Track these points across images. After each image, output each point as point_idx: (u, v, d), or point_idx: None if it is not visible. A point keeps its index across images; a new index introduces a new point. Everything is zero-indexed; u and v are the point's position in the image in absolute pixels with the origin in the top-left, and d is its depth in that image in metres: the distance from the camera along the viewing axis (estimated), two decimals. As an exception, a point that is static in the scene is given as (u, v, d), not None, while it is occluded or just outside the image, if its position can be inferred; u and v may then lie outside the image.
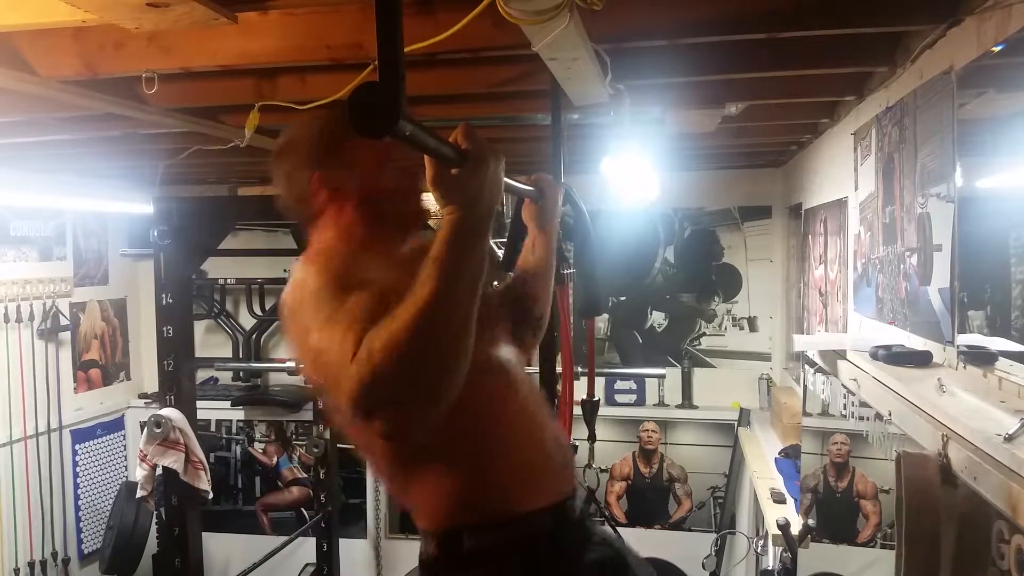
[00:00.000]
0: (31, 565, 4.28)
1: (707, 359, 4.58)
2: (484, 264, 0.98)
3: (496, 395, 1.20)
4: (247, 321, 5.09)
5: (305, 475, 4.97)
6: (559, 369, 2.20)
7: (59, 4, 1.29)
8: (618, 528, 2.32)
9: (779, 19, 1.65)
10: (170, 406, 3.36)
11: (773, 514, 2.72)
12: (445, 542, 1.15)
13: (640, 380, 4.59)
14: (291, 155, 1.30)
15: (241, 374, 5.09)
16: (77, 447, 4.65)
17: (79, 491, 4.67)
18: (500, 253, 1.61)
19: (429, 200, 1.29)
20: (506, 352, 1.28)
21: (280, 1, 1.62)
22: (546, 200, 1.55)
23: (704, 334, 4.58)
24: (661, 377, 4.49)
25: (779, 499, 2.93)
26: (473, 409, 1.09)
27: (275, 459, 5.06)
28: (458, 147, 0.96)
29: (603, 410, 4.09)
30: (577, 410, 2.16)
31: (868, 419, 1.95)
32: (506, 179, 1.07)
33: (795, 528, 2.54)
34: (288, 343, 1.17)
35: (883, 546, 2.42)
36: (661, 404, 4.60)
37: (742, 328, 4.53)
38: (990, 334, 1.86)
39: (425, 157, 0.93)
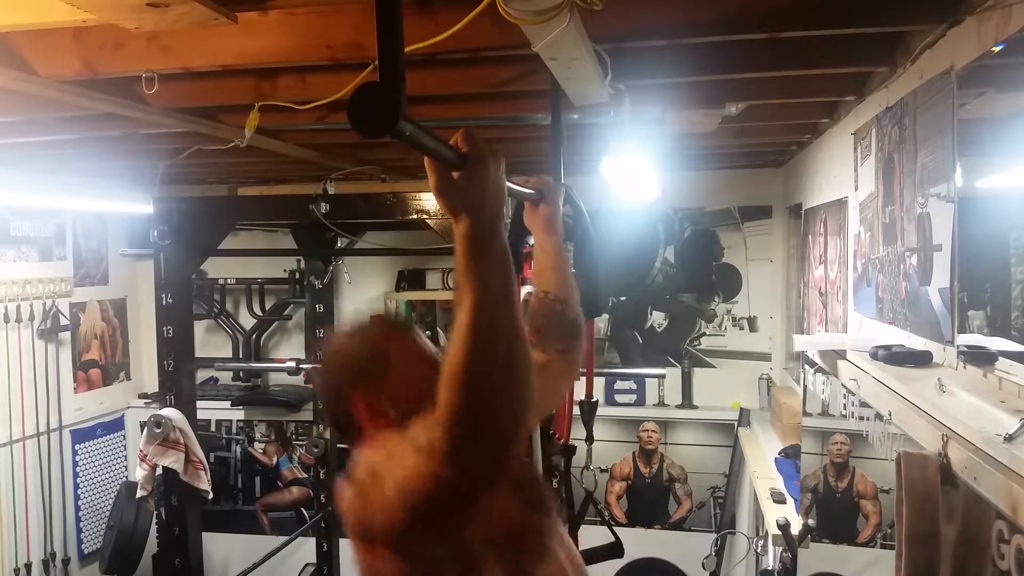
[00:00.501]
0: (30, 565, 4.28)
1: (707, 359, 4.58)
2: (509, 260, 0.98)
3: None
4: (247, 321, 5.09)
5: (305, 475, 4.97)
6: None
7: (59, 4, 1.29)
8: (618, 528, 2.32)
9: (779, 19, 1.65)
10: (170, 406, 3.36)
11: (773, 514, 2.72)
12: None
13: (640, 380, 4.59)
14: (334, 372, 1.30)
15: (241, 374, 5.09)
16: (77, 447, 4.66)
17: (79, 491, 4.67)
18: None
19: (429, 200, 1.28)
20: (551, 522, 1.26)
21: (280, 1, 1.62)
22: (549, 202, 1.55)
23: (704, 334, 4.58)
24: (661, 377, 4.49)
25: (779, 499, 2.93)
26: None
27: (275, 459, 5.06)
28: (458, 149, 0.96)
29: (603, 410, 4.10)
30: (577, 410, 2.17)
31: (868, 419, 1.95)
32: (507, 183, 1.07)
33: (795, 528, 2.54)
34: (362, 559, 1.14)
35: (883, 546, 2.42)
36: (661, 404, 4.60)
37: (742, 328, 4.53)
38: (990, 334, 1.86)
39: (427, 165, 0.93)
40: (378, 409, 1.23)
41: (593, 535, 2.29)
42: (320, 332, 4.56)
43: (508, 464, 1.03)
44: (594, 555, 2.23)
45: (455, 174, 0.94)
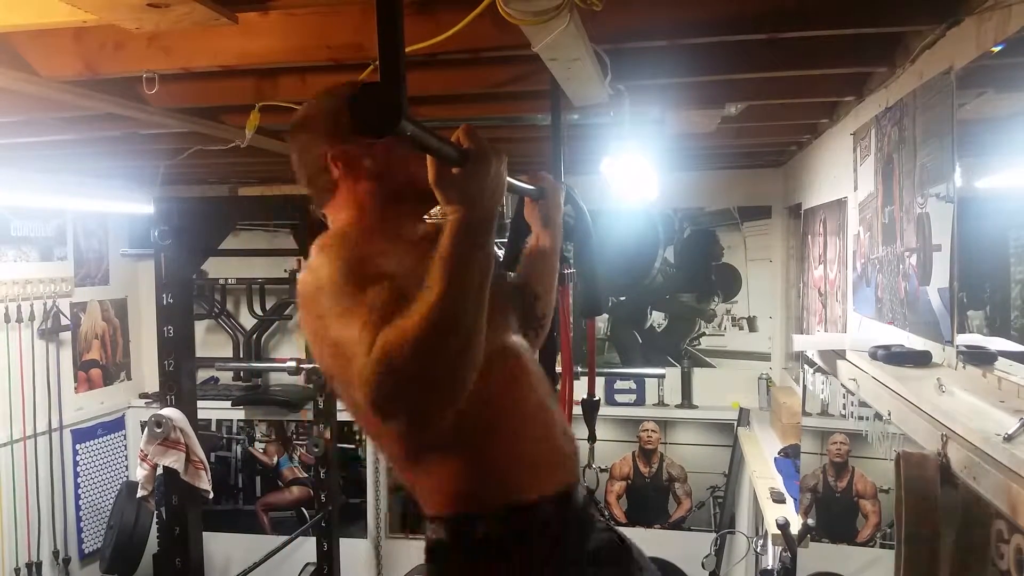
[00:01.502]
0: (31, 565, 4.28)
1: (707, 359, 4.58)
2: (491, 262, 1.00)
3: (509, 382, 1.21)
4: (247, 321, 5.09)
5: (305, 475, 4.97)
6: (559, 369, 2.20)
7: (59, 4, 1.29)
8: (618, 528, 2.32)
9: (779, 19, 1.66)
10: (171, 406, 3.37)
11: (772, 514, 2.72)
12: (455, 527, 1.16)
13: (640, 380, 4.59)
14: (306, 130, 1.29)
15: (241, 374, 5.09)
16: (78, 447, 4.66)
17: (80, 491, 4.67)
18: (500, 253, 1.62)
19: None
20: (518, 338, 1.29)
21: (281, 1, 1.62)
22: (547, 199, 1.55)
23: (704, 334, 4.58)
24: (661, 377, 4.49)
25: (778, 499, 2.93)
26: (486, 395, 1.10)
27: (275, 459, 5.06)
28: (460, 146, 0.96)
29: (603, 410, 4.08)
30: (577, 410, 2.16)
31: (867, 419, 1.95)
32: (508, 179, 1.07)
33: (794, 528, 2.54)
34: (303, 329, 1.18)
35: (882, 546, 2.42)
36: (661, 404, 4.60)
37: (742, 328, 4.53)
38: (989, 334, 1.86)
39: (427, 158, 0.94)
40: (355, 166, 1.22)
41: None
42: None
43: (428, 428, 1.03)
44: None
45: (455, 169, 0.95)
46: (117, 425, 5.01)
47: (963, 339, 1.63)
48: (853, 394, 2.06)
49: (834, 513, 2.59)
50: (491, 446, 1.17)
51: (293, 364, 4.43)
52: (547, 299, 1.55)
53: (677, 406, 4.58)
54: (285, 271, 4.88)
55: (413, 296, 0.96)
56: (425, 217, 1.32)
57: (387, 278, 1.05)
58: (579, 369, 2.49)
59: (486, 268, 0.99)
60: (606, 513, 4.27)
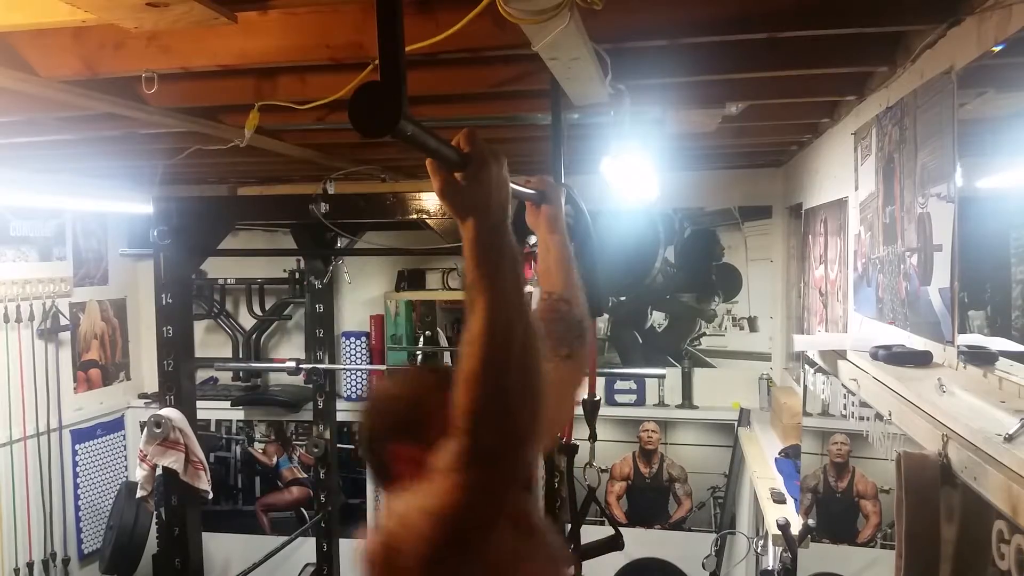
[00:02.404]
0: (31, 565, 4.28)
1: (707, 359, 4.58)
2: (518, 257, 0.97)
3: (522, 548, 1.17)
4: (247, 321, 5.09)
5: (305, 475, 4.97)
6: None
7: (59, 4, 1.29)
8: (619, 528, 2.32)
9: (780, 19, 1.65)
10: (170, 406, 3.36)
11: (773, 514, 2.72)
12: None
13: (640, 380, 4.59)
14: (377, 417, 1.28)
15: (241, 374, 5.09)
16: (77, 447, 4.66)
17: (79, 491, 4.67)
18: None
19: (428, 200, 1.27)
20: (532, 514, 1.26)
21: (280, 1, 1.62)
22: (551, 202, 1.54)
23: (704, 334, 4.58)
24: (661, 377, 4.49)
25: (779, 499, 2.93)
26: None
27: (275, 459, 5.06)
28: (459, 150, 0.95)
29: (603, 410, 4.07)
30: (578, 410, 2.16)
31: (868, 419, 1.95)
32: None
33: (795, 528, 2.54)
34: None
35: (883, 546, 2.42)
36: (661, 404, 4.60)
37: (742, 328, 4.53)
38: (990, 334, 1.86)
39: (430, 168, 0.93)
40: (416, 459, 1.17)
41: (595, 534, 2.29)
42: (320, 332, 4.56)
43: (528, 463, 1.02)
44: (594, 548, 2.23)
45: (458, 175, 0.94)
46: (116, 425, 5.01)
47: (964, 339, 1.62)
48: (854, 394, 2.06)
49: (834, 513, 2.59)
50: None
51: (293, 364, 4.42)
52: (577, 301, 1.52)
53: (677, 406, 4.58)
54: (284, 271, 4.88)
55: None
56: None
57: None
58: (579, 369, 2.49)
59: (515, 266, 0.96)
60: (607, 514, 4.27)
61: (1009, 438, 1.14)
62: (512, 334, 0.93)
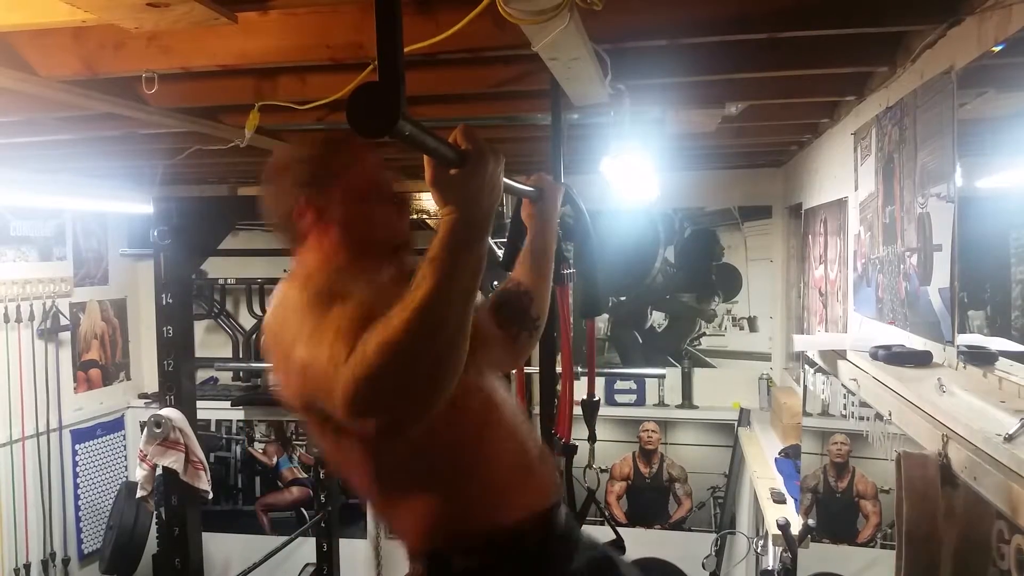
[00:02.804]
0: (30, 565, 4.28)
1: (707, 359, 4.58)
2: (482, 265, 0.98)
3: (479, 415, 1.19)
4: (247, 321, 5.09)
5: (305, 475, 4.97)
6: (559, 369, 2.20)
7: (59, 4, 1.29)
8: (618, 528, 2.32)
9: (779, 19, 1.65)
10: (170, 406, 3.37)
11: (773, 514, 2.72)
12: (434, 563, 1.15)
13: (640, 380, 4.59)
14: (281, 175, 1.30)
15: (241, 374, 5.09)
16: (77, 447, 4.66)
17: (79, 491, 4.67)
18: (500, 252, 1.62)
19: (428, 200, 1.30)
20: (489, 371, 1.28)
21: (280, 1, 1.62)
22: (545, 200, 1.55)
23: (704, 334, 4.58)
24: (661, 377, 4.49)
25: (779, 499, 2.93)
26: (457, 429, 1.09)
27: (275, 459, 5.06)
28: (457, 147, 0.95)
29: (603, 410, 4.07)
30: (577, 410, 2.16)
31: (868, 419, 1.95)
32: (505, 180, 1.07)
33: (795, 528, 2.54)
34: (271, 365, 1.17)
35: (883, 546, 2.42)
36: (661, 404, 4.60)
37: (742, 328, 4.53)
38: (990, 334, 1.86)
39: (424, 157, 0.93)
40: (324, 216, 1.22)
41: (595, 534, 2.29)
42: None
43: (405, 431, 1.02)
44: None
45: (452, 170, 0.94)
46: (116, 425, 5.01)
47: (964, 339, 1.62)
48: (854, 394, 2.06)
49: (834, 513, 2.60)
50: (463, 479, 1.16)
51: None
52: (542, 300, 1.54)
53: (677, 406, 4.58)
54: (284, 271, 4.87)
55: (388, 311, 0.94)
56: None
57: (356, 298, 1.04)
58: (579, 369, 2.49)
59: (477, 270, 0.97)
60: (606, 514, 4.27)
61: (1009, 438, 1.14)
62: (444, 328, 0.93)
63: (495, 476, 1.18)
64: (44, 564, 4.36)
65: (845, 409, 2.21)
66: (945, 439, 1.34)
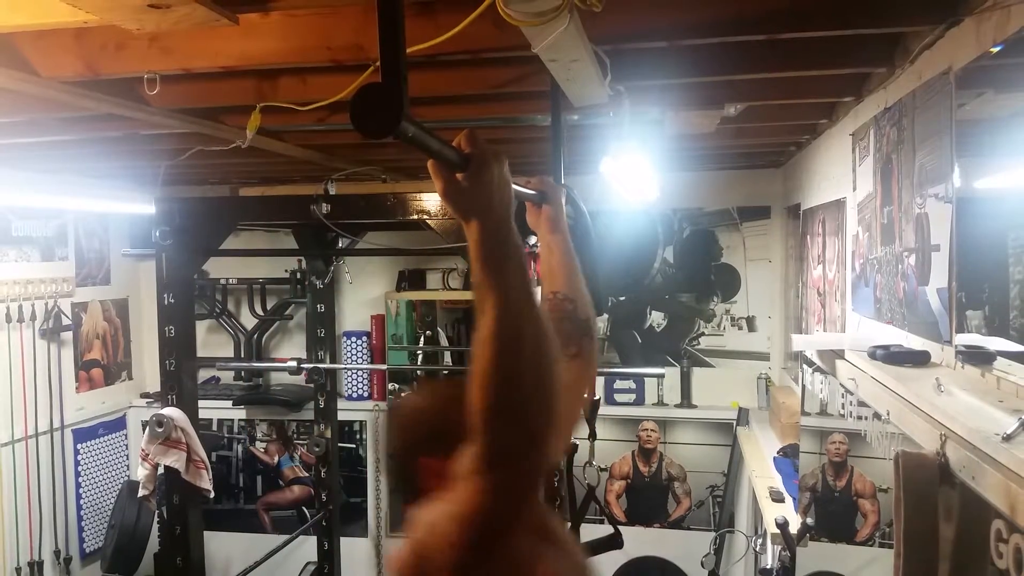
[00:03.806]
0: (32, 564, 4.29)
1: (706, 359, 4.59)
2: (525, 258, 0.97)
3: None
4: (249, 321, 5.10)
5: (306, 474, 4.98)
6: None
7: (60, 5, 1.30)
8: (618, 527, 2.33)
9: (778, 20, 1.66)
10: (172, 405, 3.37)
11: (772, 513, 2.73)
12: None
13: (639, 380, 4.60)
14: (403, 434, 1.27)
15: (243, 374, 5.10)
16: (79, 446, 4.66)
17: (81, 490, 4.68)
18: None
19: (428, 201, 1.28)
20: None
21: (281, 2, 1.62)
22: (552, 203, 1.55)
23: (703, 334, 4.59)
24: (660, 377, 4.50)
25: (778, 498, 2.94)
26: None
27: (276, 458, 5.07)
28: (460, 150, 0.96)
29: (603, 409, 4.10)
30: (577, 409, 2.17)
31: (866, 418, 1.95)
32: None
33: (794, 527, 2.55)
34: None
35: (881, 545, 2.42)
36: (660, 403, 4.61)
37: (741, 328, 4.53)
38: (988, 334, 1.86)
39: (432, 170, 0.93)
40: (444, 472, 1.15)
41: (594, 532, 2.31)
42: (322, 332, 4.57)
43: (547, 461, 1.01)
44: (594, 547, 2.24)
45: (459, 176, 0.94)
46: (118, 425, 5.01)
47: (962, 339, 1.63)
48: (852, 394, 2.07)
49: (833, 512, 2.60)
50: None
51: (294, 364, 4.43)
52: (583, 300, 1.52)
53: (676, 406, 4.59)
54: (286, 271, 4.89)
55: None
56: None
57: None
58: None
59: (523, 267, 0.96)
60: (606, 512, 4.28)
61: (1007, 437, 1.15)
62: (522, 332, 0.92)
63: None
64: (45, 563, 4.36)
65: (843, 408, 2.21)
66: (943, 438, 1.34)
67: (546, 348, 0.95)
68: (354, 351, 4.87)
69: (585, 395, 1.64)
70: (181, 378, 3.39)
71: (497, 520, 0.98)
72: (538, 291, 1.56)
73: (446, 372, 4.57)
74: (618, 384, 4.62)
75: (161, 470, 3.37)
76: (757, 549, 3.34)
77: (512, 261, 0.95)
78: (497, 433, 0.92)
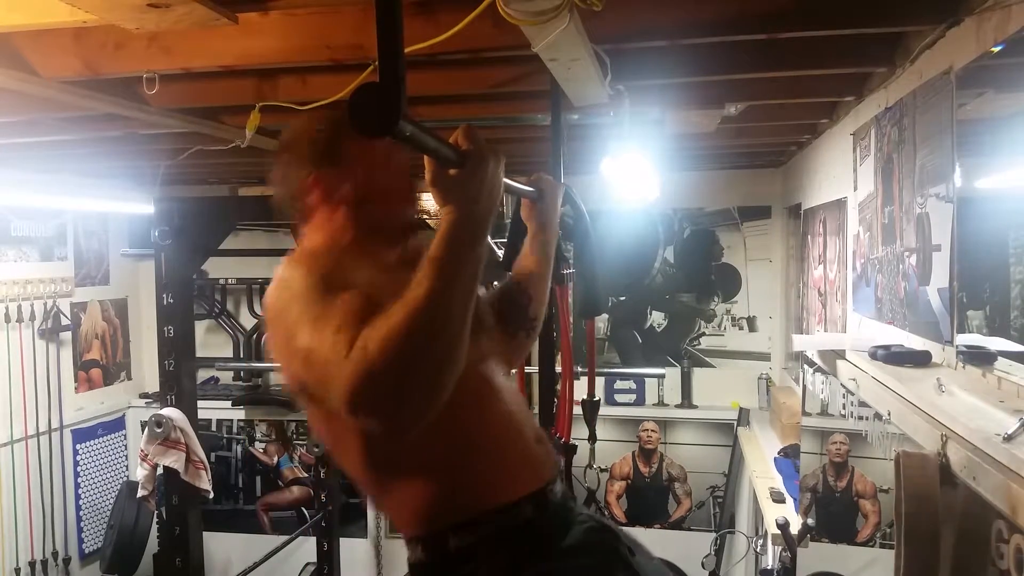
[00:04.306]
0: (32, 565, 4.28)
1: (706, 359, 4.59)
2: (482, 264, 0.98)
3: (476, 396, 1.19)
4: (248, 321, 5.09)
5: (306, 474, 4.97)
6: (559, 369, 2.20)
7: (60, 5, 1.29)
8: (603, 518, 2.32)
9: (779, 19, 1.66)
10: (171, 406, 3.37)
11: (772, 513, 2.72)
12: (431, 545, 1.15)
13: (640, 380, 4.59)
14: (289, 152, 1.30)
15: (242, 374, 5.10)
16: (78, 447, 4.66)
17: (80, 491, 4.67)
18: (500, 252, 1.62)
19: (428, 200, 1.30)
20: (489, 358, 1.28)
21: (281, 2, 1.62)
22: (545, 201, 1.55)
23: (703, 334, 4.58)
24: (661, 377, 4.50)
25: (778, 498, 2.93)
26: (454, 411, 1.09)
27: (276, 458, 5.06)
28: (458, 148, 0.96)
29: (603, 410, 4.08)
30: (577, 410, 2.17)
31: (867, 419, 1.95)
32: (506, 180, 1.07)
33: (794, 527, 2.55)
34: (271, 344, 1.16)
35: (882, 545, 2.42)
36: (661, 404, 4.60)
37: (741, 328, 4.53)
38: (989, 334, 1.86)
39: (424, 158, 0.94)
40: (333, 194, 1.21)
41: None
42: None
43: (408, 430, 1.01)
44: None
45: (452, 171, 0.94)
46: (117, 425, 5.01)
47: (963, 339, 1.63)
48: (853, 394, 2.06)
49: (834, 513, 2.60)
50: (458, 459, 1.16)
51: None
52: (540, 301, 1.54)
53: (677, 406, 4.58)
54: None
55: (392, 303, 0.94)
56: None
57: (362, 286, 1.03)
58: (579, 369, 2.49)
59: (477, 270, 0.97)
60: (606, 513, 4.27)
61: (1008, 438, 1.15)
62: (446, 325, 0.94)
63: (490, 455, 1.18)
64: (45, 564, 4.36)
65: (844, 409, 2.21)
66: (944, 439, 1.34)
67: (459, 348, 0.96)
68: (354, 351, 4.86)
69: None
70: (180, 378, 3.39)
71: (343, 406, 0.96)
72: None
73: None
74: (618, 384, 4.61)
75: (160, 470, 3.37)
76: (758, 550, 3.33)
77: (474, 254, 0.96)
78: (369, 382, 0.91)
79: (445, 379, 0.95)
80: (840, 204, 2.72)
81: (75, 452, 4.64)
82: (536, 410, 2.33)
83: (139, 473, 3.39)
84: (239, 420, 5.06)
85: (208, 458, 3.55)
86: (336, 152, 1.24)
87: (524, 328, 1.49)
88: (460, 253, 0.96)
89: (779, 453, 3.39)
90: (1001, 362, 1.52)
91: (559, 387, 2.22)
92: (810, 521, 2.59)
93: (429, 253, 0.95)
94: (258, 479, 5.09)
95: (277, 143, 1.34)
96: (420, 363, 0.92)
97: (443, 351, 0.94)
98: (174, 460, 3.30)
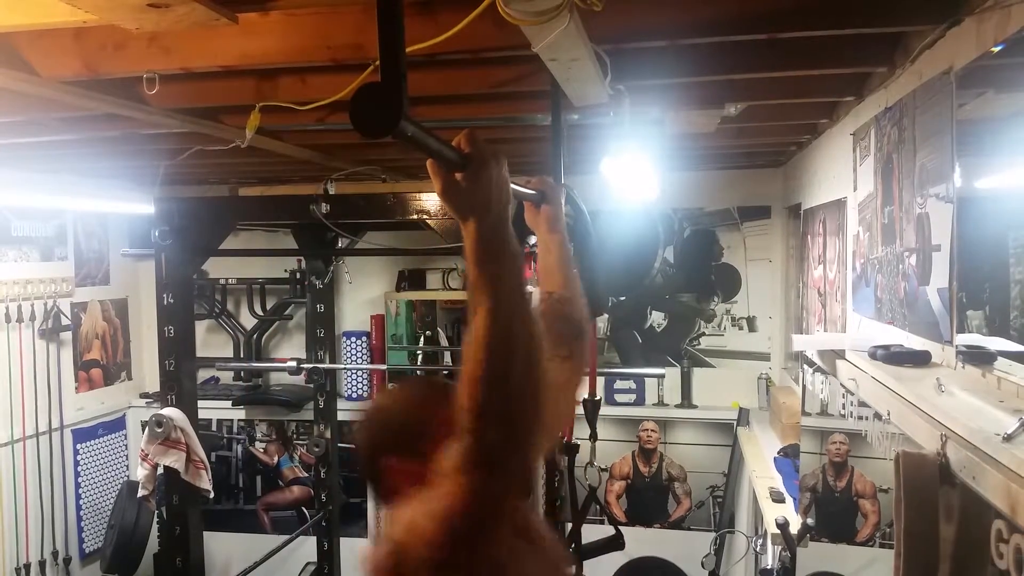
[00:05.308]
0: (31, 565, 4.28)
1: (706, 359, 4.59)
2: (520, 260, 0.98)
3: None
4: (248, 321, 5.09)
5: (306, 474, 4.98)
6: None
7: (60, 5, 1.30)
8: (619, 527, 2.32)
9: (779, 19, 1.66)
10: (171, 405, 3.36)
11: (772, 513, 2.73)
12: None
13: (640, 380, 4.59)
14: (372, 431, 1.28)
15: (242, 374, 5.10)
16: (78, 446, 4.66)
17: (80, 490, 4.67)
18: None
19: (429, 202, 1.27)
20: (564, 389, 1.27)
21: (281, 2, 1.62)
22: (551, 202, 1.55)
23: (703, 334, 4.58)
24: (660, 377, 4.50)
25: (778, 498, 2.93)
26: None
27: (276, 458, 5.07)
28: (459, 150, 0.96)
29: (603, 409, 4.07)
30: (578, 409, 2.17)
31: (867, 419, 1.95)
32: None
33: (794, 527, 2.55)
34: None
35: (882, 545, 2.42)
36: (660, 404, 4.60)
37: (741, 328, 4.53)
38: (989, 334, 1.86)
39: (431, 169, 0.93)
40: (415, 473, 1.15)
41: (595, 533, 2.30)
42: (321, 332, 4.57)
43: (530, 464, 1.01)
44: (595, 548, 2.24)
45: (458, 176, 0.94)
46: (118, 425, 5.01)
47: (962, 339, 1.63)
48: (852, 394, 2.07)
49: (833, 513, 2.60)
50: None
51: (293, 364, 4.43)
52: (576, 299, 1.53)
53: (677, 406, 4.58)
54: (285, 271, 4.89)
55: None
56: None
57: None
58: (579, 369, 2.49)
59: (518, 269, 0.97)
60: (607, 512, 4.27)
61: (1008, 438, 1.15)
62: (514, 334, 0.93)
63: None
64: (44, 564, 4.36)
65: (844, 409, 2.21)
66: (944, 439, 1.34)
67: (537, 350, 0.96)
68: (354, 351, 4.87)
69: (575, 396, 1.64)
70: (180, 378, 3.39)
71: (479, 519, 0.98)
72: (535, 291, 1.57)
73: (446, 372, 4.57)
74: (618, 384, 4.61)
75: (161, 470, 3.37)
76: (757, 549, 3.33)
77: (507, 262, 0.95)
78: (483, 433, 0.92)
79: (538, 382, 0.95)
80: (840, 204, 2.72)
81: (75, 452, 4.64)
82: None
83: (139, 473, 3.39)
84: (239, 420, 5.07)
85: (208, 458, 3.55)
86: (412, 441, 1.19)
87: (578, 336, 1.48)
88: (495, 262, 0.94)
89: (779, 453, 3.39)
90: (1001, 362, 1.52)
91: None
92: (810, 521, 2.59)
93: (469, 281, 0.95)
94: (258, 479, 5.09)
95: (363, 422, 1.31)
96: (512, 381, 0.92)
97: (525, 357, 0.94)
98: (174, 460, 3.30)
